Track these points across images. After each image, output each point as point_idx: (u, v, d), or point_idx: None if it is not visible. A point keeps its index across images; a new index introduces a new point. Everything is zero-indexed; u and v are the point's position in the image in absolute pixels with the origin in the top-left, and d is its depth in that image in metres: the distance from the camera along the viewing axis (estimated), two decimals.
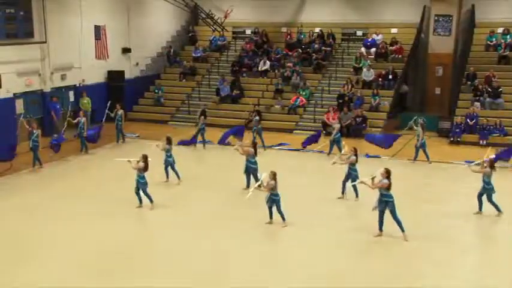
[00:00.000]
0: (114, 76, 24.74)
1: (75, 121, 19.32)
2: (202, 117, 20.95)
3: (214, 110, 24.37)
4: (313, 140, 19.66)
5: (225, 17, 28.69)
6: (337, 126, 19.27)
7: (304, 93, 24.24)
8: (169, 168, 15.74)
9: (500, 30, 24.53)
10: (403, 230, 11.62)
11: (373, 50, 25.78)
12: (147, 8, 27.08)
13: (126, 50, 25.72)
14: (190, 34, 29.12)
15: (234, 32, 29.18)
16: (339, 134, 19.06)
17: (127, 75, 25.50)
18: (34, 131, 17.18)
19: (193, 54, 27.86)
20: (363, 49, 25.94)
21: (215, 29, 28.72)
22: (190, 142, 20.40)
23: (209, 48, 28.23)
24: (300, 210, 13.25)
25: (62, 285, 9.89)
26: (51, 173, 17.04)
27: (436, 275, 10.34)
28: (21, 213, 13.42)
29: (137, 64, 26.71)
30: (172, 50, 28.00)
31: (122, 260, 10.98)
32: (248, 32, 28.68)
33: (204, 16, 29.17)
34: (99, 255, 11.15)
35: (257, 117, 20.72)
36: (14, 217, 13.17)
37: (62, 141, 18.60)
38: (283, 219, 12.53)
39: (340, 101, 23.30)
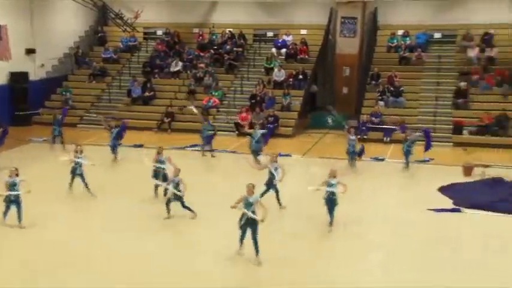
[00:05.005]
0: (17, 77, 23.68)
1: None
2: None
3: (126, 112, 23.93)
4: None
5: (135, 17, 28.24)
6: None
7: (216, 94, 24.35)
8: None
9: (400, 32, 25.87)
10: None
11: (283, 50, 26.34)
12: (51, 7, 26.08)
13: (30, 51, 24.63)
14: (99, 34, 28.41)
15: (145, 33, 28.78)
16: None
17: (31, 77, 24.48)
18: None
19: (103, 55, 27.21)
20: (273, 50, 26.45)
21: (125, 29, 28.20)
22: None
23: (119, 49, 27.68)
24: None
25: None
26: None
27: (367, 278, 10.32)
28: None
29: (43, 65, 25.66)
30: (80, 51, 27.18)
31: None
32: (159, 32, 28.39)
33: (113, 16, 28.54)
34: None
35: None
36: None
37: None
38: (191, 211, 12.87)
39: (253, 101, 23.62)
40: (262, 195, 13.09)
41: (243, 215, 10.56)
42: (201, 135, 19.49)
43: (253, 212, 10.53)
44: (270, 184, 13.63)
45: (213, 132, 19.61)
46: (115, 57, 27.16)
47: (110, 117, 21.71)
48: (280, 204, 13.64)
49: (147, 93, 24.84)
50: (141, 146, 20.57)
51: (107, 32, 28.79)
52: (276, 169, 13.62)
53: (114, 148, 18.16)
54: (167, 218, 12.88)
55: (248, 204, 10.55)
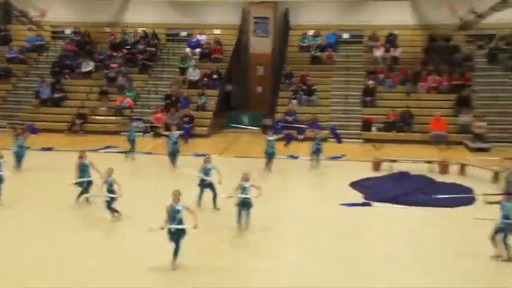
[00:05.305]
0: None
1: None
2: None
3: (34, 114, 22.95)
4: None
5: (42, 15, 27.06)
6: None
7: (130, 94, 23.94)
8: None
9: (311, 32, 26.63)
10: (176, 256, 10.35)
11: (198, 50, 26.32)
12: None
13: None
14: (2, 33, 27.03)
15: (53, 32, 27.73)
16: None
17: None
18: None
19: (7, 55, 26.00)
20: (187, 49, 26.37)
21: (31, 28, 26.98)
22: None
23: (26, 49, 26.49)
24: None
25: None
26: None
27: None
28: None
29: None
30: None
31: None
32: (68, 31, 27.46)
33: (17, 14, 27.19)
34: None
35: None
36: None
37: None
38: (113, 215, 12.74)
39: (168, 101, 23.46)
40: (214, 199, 13.42)
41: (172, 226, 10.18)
42: (128, 137, 19.01)
43: (181, 220, 10.17)
44: (204, 185, 13.60)
45: (142, 133, 19.29)
46: (21, 57, 26.06)
47: (17, 121, 20.75)
48: (199, 204, 13.57)
49: (56, 95, 23.99)
50: (50, 149, 19.86)
51: (11, 30, 27.45)
52: (209, 170, 13.60)
53: (19, 155, 16.95)
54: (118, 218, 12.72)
55: (175, 212, 10.11)
